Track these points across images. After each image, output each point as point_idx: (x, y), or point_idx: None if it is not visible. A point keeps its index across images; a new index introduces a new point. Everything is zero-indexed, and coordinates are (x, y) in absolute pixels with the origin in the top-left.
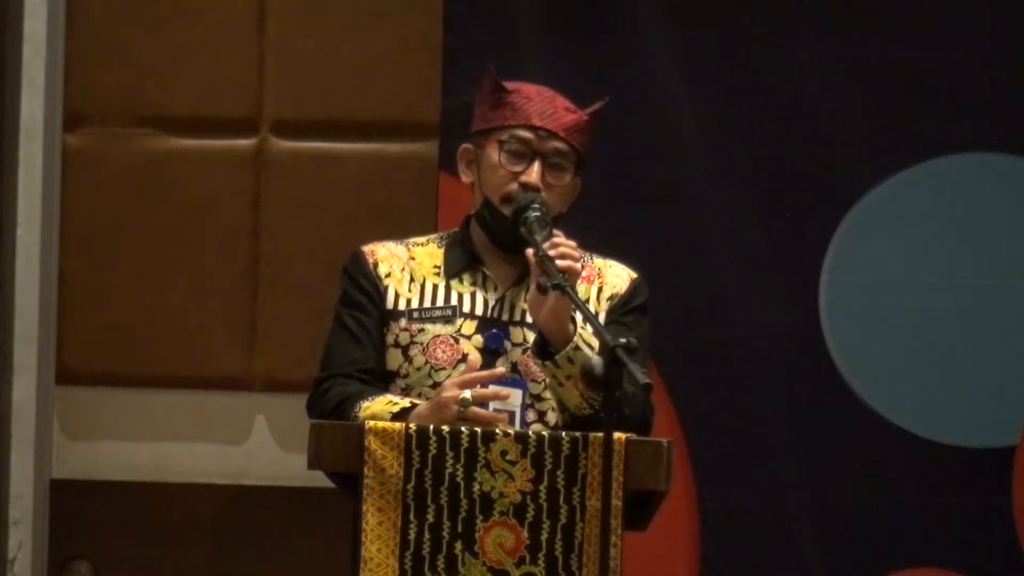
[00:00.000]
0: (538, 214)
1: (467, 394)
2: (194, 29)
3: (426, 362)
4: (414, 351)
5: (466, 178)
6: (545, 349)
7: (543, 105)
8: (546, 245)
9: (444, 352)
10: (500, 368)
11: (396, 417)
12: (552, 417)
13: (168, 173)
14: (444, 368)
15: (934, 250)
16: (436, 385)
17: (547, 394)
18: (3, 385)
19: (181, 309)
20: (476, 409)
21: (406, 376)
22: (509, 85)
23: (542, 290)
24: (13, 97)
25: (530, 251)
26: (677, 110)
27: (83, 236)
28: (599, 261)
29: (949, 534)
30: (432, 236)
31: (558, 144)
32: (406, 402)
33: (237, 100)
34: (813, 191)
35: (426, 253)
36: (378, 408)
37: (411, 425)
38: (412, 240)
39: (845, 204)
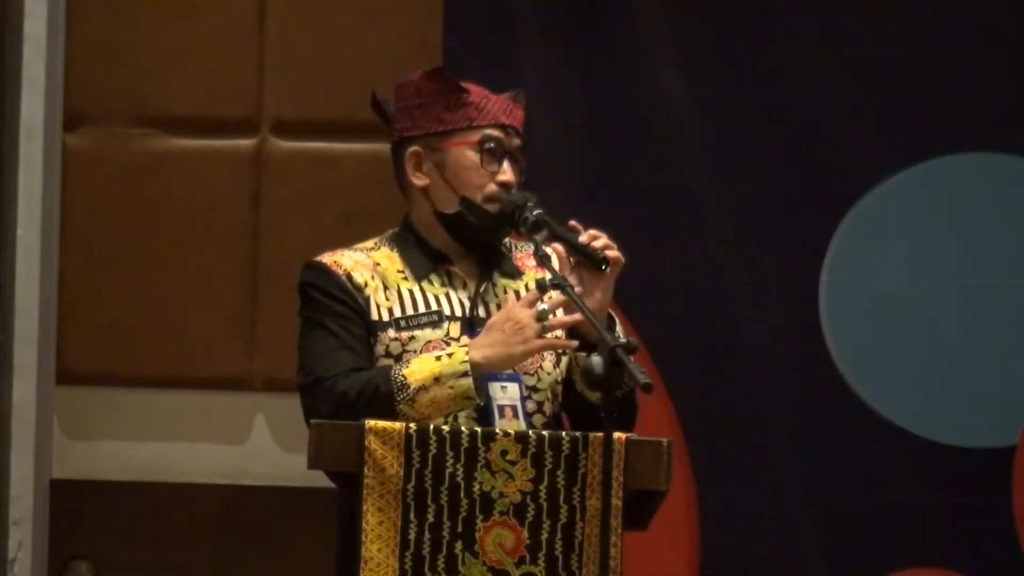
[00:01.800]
0: (541, 211)
1: (543, 305)
2: (194, 29)
3: None
4: (408, 359)
5: (418, 181)
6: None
7: (502, 103)
8: (583, 238)
9: None
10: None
11: (468, 363)
12: (549, 408)
13: (168, 173)
14: None
15: (934, 250)
16: None
17: (541, 385)
18: (3, 385)
19: (181, 309)
20: (559, 316)
21: None
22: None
23: (542, 289)
24: (13, 97)
25: (558, 246)
26: (677, 110)
27: (83, 236)
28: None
29: (949, 534)
30: (375, 240)
31: (518, 141)
32: (460, 351)
33: (237, 100)
34: (813, 191)
35: (384, 257)
36: (434, 368)
37: (411, 425)
38: (360, 246)
39: (845, 204)
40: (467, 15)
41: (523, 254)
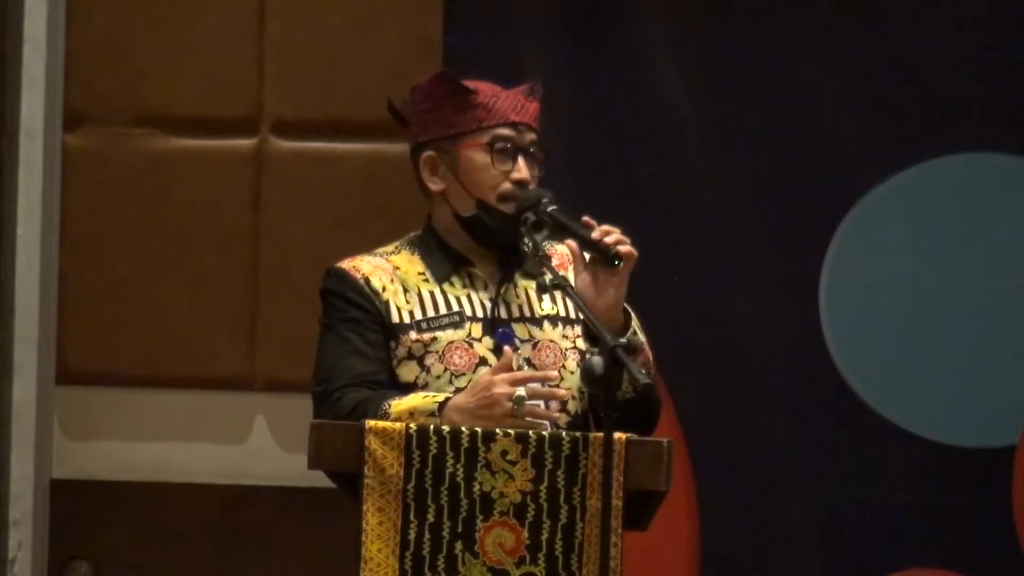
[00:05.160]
0: (555, 207)
1: (522, 391)
2: (194, 29)
3: (445, 369)
4: (430, 360)
5: (435, 186)
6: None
7: (512, 100)
8: (595, 234)
9: (461, 358)
10: (552, 372)
11: (441, 408)
12: (572, 406)
13: (168, 173)
14: (464, 373)
15: (934, 250)
16: (458, 391)
17: (565, 385)
18: (3, 385)
19: (181, 309)
20: (532, 407)
21: (425, 386)
22: (470, 85)
23: (542, 289)
24: (13, 97)
25: (572, 242)
26: (677, 110)
27: (83, 236)
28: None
29: (949, 534)
30: (396, 244)
31: (532, 135)
32: (443, 395)
33: (237, 100)
34: (813, 191)
35: (404, 260)
36: (415, 403)
37: (411, 425)
38: (380, 250)
39: (845, 204)
40: (468, 14)
41: (550, 250)
